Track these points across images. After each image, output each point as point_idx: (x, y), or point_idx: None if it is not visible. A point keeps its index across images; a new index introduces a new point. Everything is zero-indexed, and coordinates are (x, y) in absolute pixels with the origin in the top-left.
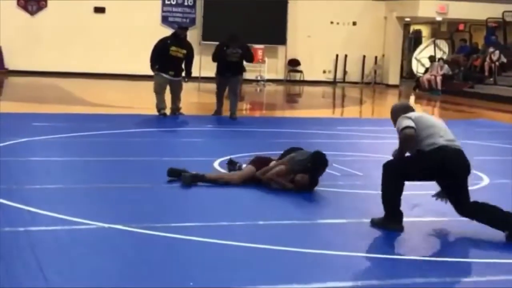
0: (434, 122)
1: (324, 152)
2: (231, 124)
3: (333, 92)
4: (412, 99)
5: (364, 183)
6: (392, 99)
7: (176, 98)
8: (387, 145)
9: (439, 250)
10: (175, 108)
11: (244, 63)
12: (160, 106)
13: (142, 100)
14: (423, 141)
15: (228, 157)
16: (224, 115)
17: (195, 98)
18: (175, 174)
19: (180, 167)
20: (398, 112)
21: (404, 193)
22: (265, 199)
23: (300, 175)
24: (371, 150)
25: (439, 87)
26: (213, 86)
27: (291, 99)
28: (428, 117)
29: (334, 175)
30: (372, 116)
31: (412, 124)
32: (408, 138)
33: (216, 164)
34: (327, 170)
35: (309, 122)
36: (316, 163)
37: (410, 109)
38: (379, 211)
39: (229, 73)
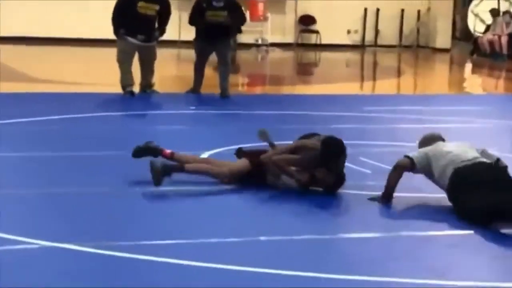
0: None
1: (338, 138)
2: (222, 105)
3: (361, 59)
4: (468, 67)
5: (403, 184)
6: (441, 68)
7: (147, 70)
8: (434, 131)
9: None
10: (146, 84)
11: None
12: (126, 81)
13: (102, 74)
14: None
15: (218, 150)
16: (211, 93)
17: (173, 69)
18: (146, 152)
19: (152, 145)
20: (421, 144)
21: None
22: (268, 205)
23: (322, 170)
24: (413, 138)
25: (505, 50)
26: (193, 53)
27: (304, 70)
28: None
29: (362, 172)
30: (414, 92)
31: (416, 156)
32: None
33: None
34: (352, 165)
35: (328, 101)
36: (327, 154)
37: (435, 140)
38: (423, 222)
39: (212, 38)
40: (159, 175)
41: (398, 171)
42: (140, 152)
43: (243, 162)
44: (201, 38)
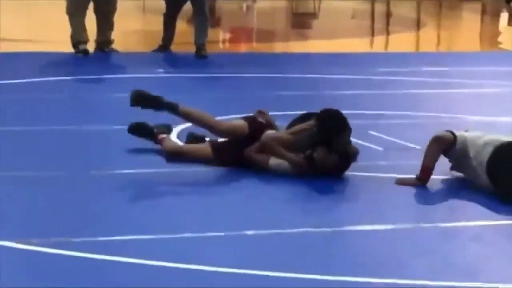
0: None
1: (336, 110)
2: (198, 67)
3: (371, 9)
4: (504, 18)
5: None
6: (470, 19)
7: (105, 24)
8: (462, 98)
9: None
10: (104, 42)
11: None
12: (78, 38)
13: (49, 29)
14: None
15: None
16: (185, 52)
17: (138, 23)
18: (141, 132)
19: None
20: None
21: None
22: (258, 192)
23: (322, 150)
24: (435, 107)
25: None
26: (163, 3)
27: (300, 23)
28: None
29: (373, 149)
30: (437, 49)
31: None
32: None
33: (173, 136)
34: (360, 141)
35: (330, 61)
36: (325, 131)
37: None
38: (447, 211)
39: None
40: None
41: (439, 144)
42: (136, 129)
43: (242, 123)
44: None
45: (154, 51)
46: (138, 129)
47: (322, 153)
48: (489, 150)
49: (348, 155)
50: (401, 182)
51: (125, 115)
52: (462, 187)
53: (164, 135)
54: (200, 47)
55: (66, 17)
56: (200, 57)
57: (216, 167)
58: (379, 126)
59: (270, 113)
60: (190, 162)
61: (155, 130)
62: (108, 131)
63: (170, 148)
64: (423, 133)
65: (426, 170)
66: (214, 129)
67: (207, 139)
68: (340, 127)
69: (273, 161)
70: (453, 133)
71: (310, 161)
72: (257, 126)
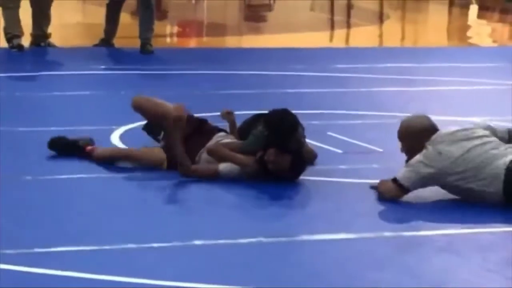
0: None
1: (283, 110)
2: (143, 63)
3: (331, 1)
4: (473, 11)
5: (386, 167)
6: (437, 12)
7: (41, 17)
8: (427, 96)
9: None
10: (40, 35)
11: None
12: (12, 31)
13: None
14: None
15: (134, 124)
16: (129, 47)
17: (77, 16)
18: (64, 147)
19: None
20: (410, 136)
21: None
22: (207, 199)
23: (273, 151)
24: (398, 107)
25: None
26: None
27: (254, 15)
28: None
29: (333, 152)
30: (401, 44)
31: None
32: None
33: (114, 137)
34: (318, 143)
35: (286, 56)
36: (274, 134)
37: (428, 130)
38: (410, 218)
39: None
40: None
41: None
42: (57, 144)
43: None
44: None
45: (95, 45)
46: (59, 144)
47: (274, 154)
48: (492, 175)
49: (301, 155)
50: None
51: (64, 116)
52: (430, 193)
53: (92, 146)
54: (145, 41)
55: None
56: (145, 52)
57: (164, 171)
58: (338, 127)
59: (215, 116)
60: (134, 167)
61: (80, 142)
62: (44, 133)
63: (108, 153)
64: (385, 134)
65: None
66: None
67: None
68: (289, 127)
69: (223, 167)
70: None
71: (262, 163)
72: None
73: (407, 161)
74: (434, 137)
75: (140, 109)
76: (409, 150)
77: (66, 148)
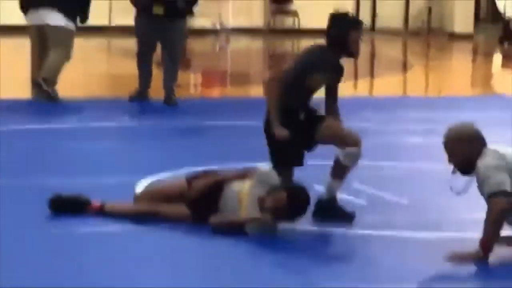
0: None
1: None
2: (166, 115)
3: None
4: (497, 59)
5: (413, 220)
6: (461, 61)
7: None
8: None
9: None
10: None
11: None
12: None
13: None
14: None
15: (162, 175)
16: (156, 98)
17: (102, 66)
18: (65, 206)
19: (72, 193)
20: (461, 144)
21: None
22: (232, 254)
23: (272, 197)
24: (424, 157)
25: None
26: (133, 43)
27: (278, 64)
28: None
29: (355, 204)
30: (425, 93)
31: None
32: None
33: (138, 190)
34: (343, 194)
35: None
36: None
37: (479, 138)
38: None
39: (160, 13)
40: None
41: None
42: (60, 203)
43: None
44: (143, 14)
45: (131, 97)
46: (61, 203)
47: (273, 199)
48: None
49: (297, 190)
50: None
51: (82, 168)
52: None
53: (99, 201)
54: (169, 93)
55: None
56: (170, 103)
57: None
58: (363, 177)
59: (244, 164)
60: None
61: (82, 198)
62: (62, 184)
63: (138, 209)
64: (411, 185)
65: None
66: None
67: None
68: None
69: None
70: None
71: (270, 208)
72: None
73: (463, 172)
74: (486, 151)
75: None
76: (460, 160)
77: (70, 207)
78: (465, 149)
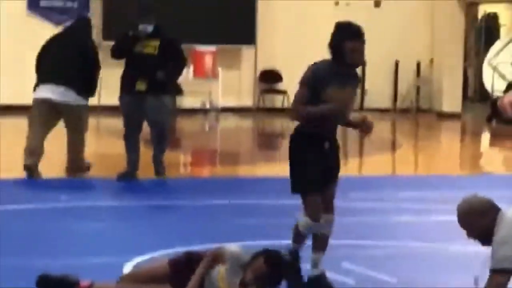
0: None
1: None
2: (155, 194)
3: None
4: (485, 138)
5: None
6: (449, 140)
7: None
8: (442, 225)
9: None
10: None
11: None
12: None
13: None
14: None
15: (151, 255)
16: (144, 177)
17: (91, 145)
18: (53, 285)
19: (60, 274)
20: (476, 218)
21: None
22: None
23: (250, 269)
24: (414, 235)
25: None
26: (119, 122)
27: (268, 144)
28: None
29: (343, 283)
30: (414, 172)
31: None
32: None
33: (126, 270)
34: (332, 273)
35: None
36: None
37: (492, 207)
38: None
39: (142, 89)
40: None
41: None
42: (48, 283)
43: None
44: (126, 90)
45: (119, 176)
46: (49, 283)
47: (251, 278)
48: None
49: (273, 255)
50: None
51: (70, 248)
52: None
53: (87, 281)
54: (158, 171)
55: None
56: (159, 176)
57: None
58: (352, 257)
59: (233, 244)
60: None
61: (70, 278)
62: (49, 265)
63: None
64: (401, 265)
65: None
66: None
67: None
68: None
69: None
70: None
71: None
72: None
73: (484, 244)
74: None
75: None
76: (477, 233)
77: (58, 287)
78: (480, 222)
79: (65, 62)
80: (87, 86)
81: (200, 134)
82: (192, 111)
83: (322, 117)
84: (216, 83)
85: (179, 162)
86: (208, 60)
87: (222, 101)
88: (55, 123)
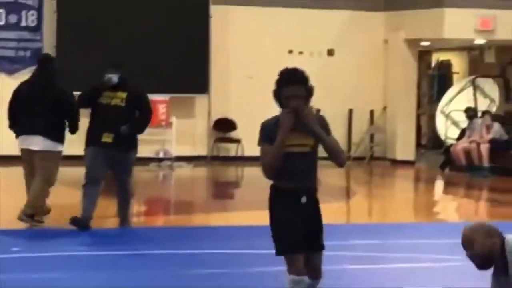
0: None
1: None
2: (107, 244)
3: None
4: (439, 186)
5: None
6: (403, 187)
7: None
8: (397, 273)
9: None
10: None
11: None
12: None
13: None
14: None
15: None
16: (97, 227)
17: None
18: None
19: None
20: (482, 234)
21: None
22: None
23: None
24: (369, 283)
25: (486, 162)
26: (80, 172)
27: (221, 192)
28: None
29: None
30: (368, 221)
31: None
32: None
33: None
34: None
35: (254, 234)
36: None
37: (500, 235)
38: None
39: (109, 140)
40: None
41: None
42: None
43: None
44: (93, 141)
45: (72, 222)
46: None
47: None
48: None
49: None
50: None
51: None
52: None
53: None
54: (123, 220)
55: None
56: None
57: None
58: None
59: None
60: None
61: None
62: None
63: None
64: None
65: None
66: None
67: None
68: None
69: None
70: None
71: None
72: None
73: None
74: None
75: None
76: (482, 251)
77: None
78: (485, 240)
79: (41, 111)
80: (64, 131)
81: (154, 183)
82: (146, 160)
83: (288, 161)
84: (170, 132)
85: (132, 211)
86: (161, 109)
87: (176, 150)
88: None
